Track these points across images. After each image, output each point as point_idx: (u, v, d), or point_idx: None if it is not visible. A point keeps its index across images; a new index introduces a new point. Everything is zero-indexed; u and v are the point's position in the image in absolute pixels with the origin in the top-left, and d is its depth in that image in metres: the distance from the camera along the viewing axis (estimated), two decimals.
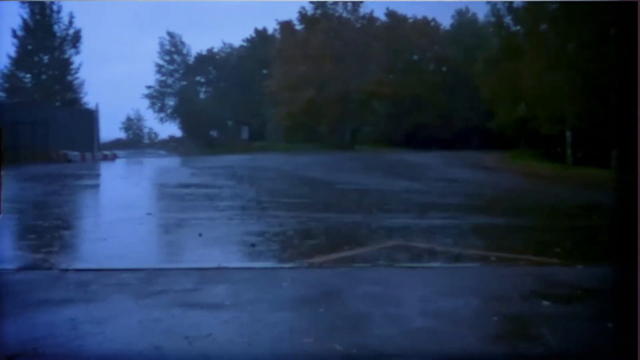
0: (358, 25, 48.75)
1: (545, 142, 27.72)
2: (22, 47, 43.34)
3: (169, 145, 53.41)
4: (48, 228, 7.49)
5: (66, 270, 4.87)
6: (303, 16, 49.52)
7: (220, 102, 55.34)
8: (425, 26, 50.68)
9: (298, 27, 50.47)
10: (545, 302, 4.01)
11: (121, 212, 9.23)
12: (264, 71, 51.86)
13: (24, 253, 6.03)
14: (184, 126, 57.70)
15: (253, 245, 6.34)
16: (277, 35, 53.04)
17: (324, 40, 45.95)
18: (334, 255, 5.79)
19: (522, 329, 3.59)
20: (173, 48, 59.05)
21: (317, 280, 4.70)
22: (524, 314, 3.83)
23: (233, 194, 12.36)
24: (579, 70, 21.43)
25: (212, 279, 4.60)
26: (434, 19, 50.92)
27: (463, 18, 50.93)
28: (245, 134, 50.27)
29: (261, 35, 57.68)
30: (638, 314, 3.09)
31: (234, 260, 5.64)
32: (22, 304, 3.83)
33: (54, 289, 4.26)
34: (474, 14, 49.44)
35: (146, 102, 59.92)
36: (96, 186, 16.60)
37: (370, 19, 49.69)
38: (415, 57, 51.30)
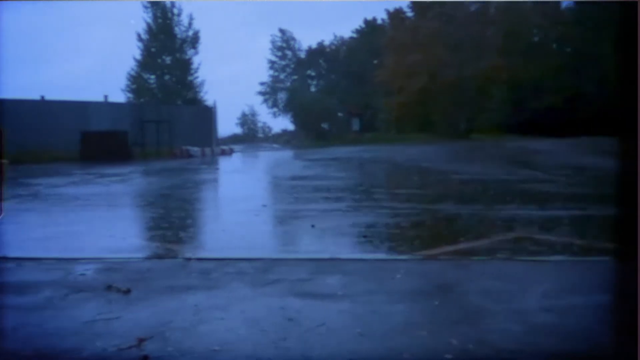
0: (472, 8, 47.02)
1: None
2: (146, 50, 46.53)
3: (282, 139, 55.00)
4: (173, 219, 7.98)
5: (189, 259, 5.13)
6: (414, 3, 48.65)
7: (331, 94, 55.93)
8: (546, 5, 47.72)
9: (409, 14, 49.70)
10: None
11: (238, 204, 9.61)
12: (375, 61, 51.68)
13: (151, 243, 6.47)
14: (295, 120, 59.09)
15: (366, 236, 6.32)
16: (387, 24, 52.60)
17: (436, 27, 44.81)
18: (450, 248, 5.61)
19: None
20: (284, 44, 60.61)
21: (432, 273, 4.58)
22: None
23: (345, 186, 12.43)
24: None
25: (325, 270, 4.64)
26: None
27: None
28: (356, 125, 50.42)
29: (371, 25, 57.48)
30: (638, 313, 2.94)
31: (347, 251, 5.65)
32: (150, 290, 4.09)
33: (178, 276, 4.51)
34: None
35: (260, 97, 62.19)
36: (215, 179, 17.46)
37: (485, 1, 47.72)
38: (536, 39, 48.55)
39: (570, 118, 41.60)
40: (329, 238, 6.47)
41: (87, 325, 3.35)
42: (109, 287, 4.13)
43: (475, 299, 3.80)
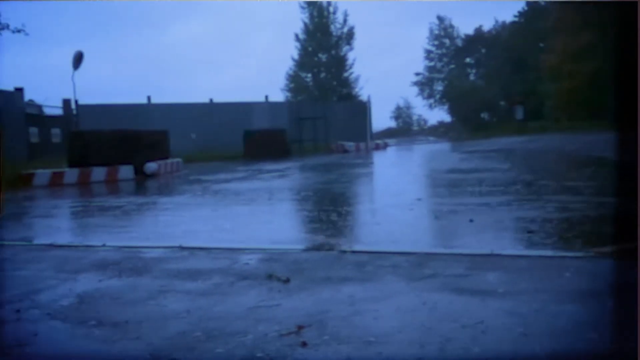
0: None
1: None
2: (303, 49, 48.38)
3: (438, 131, 53.92)
4: (329, 212, 8.19)
5: (345, 251, 5.23)
6: None
7: (491, 82, 53.54)
8: None
9: None
10: None
11: (393, 198, 9.58)
12: (540, 45, 48.43)
13: (309, 235, 6.69)
14: (453, 110, 57.57)
15: (530, 231, 5.92)
16: (554, 3, 48.95)
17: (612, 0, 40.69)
18: (628, 245, 5.04)
19: None
20: (442, 32, 59.22)
21: (606, 272, 4.17)
22: None
23: (507, 178, 11.81)
24: None
25: (484, 266, 4.43)
26: None
27: None
28: (519, 114, 47.62)
29: (534, 6, 53.94)
30: (638, 313, 2.70)
31: (508, 247, 5.33)
32: (308, 280, 4.23)
33: (334, 268, 4.61)
34: None
35: (415, 89, 61.47)
36: (370, 174, 17.62)
37: None
38: None
39: None
40: (489, 233, 6.17)
41: (250, 311, 3.56)
42: (270, 276, 4.35)
43: None
